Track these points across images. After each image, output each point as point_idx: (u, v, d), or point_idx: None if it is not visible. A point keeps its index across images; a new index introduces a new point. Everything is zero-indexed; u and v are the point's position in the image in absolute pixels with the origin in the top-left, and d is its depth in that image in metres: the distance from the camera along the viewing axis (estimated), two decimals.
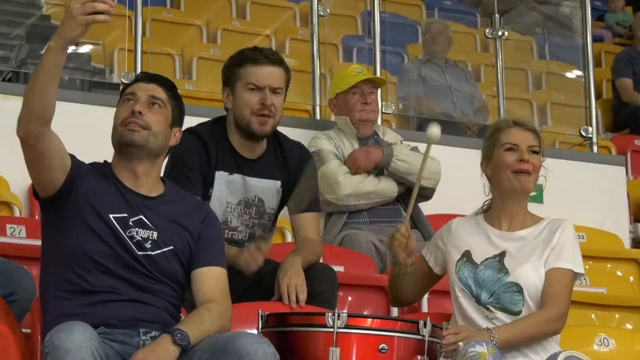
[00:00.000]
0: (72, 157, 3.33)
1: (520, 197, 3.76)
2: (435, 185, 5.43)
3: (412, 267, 3.79)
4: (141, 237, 3.32)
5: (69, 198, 3.30)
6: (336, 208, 5.29)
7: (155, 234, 3.35)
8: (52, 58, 3.06)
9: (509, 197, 3.75)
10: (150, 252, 3.32)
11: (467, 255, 3.73)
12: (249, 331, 3.31)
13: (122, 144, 3.38)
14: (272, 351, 3.04)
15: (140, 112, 3.37)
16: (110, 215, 3.31)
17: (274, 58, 4.08)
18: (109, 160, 3.46)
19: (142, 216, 3.35)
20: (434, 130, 3.63)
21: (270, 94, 4.04)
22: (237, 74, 4.07)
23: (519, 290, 3.64)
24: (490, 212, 3.81)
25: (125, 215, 3.33)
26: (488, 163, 3.78)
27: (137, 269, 3.29)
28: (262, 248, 3.90)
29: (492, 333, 3.52)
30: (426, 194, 5.41)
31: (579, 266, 3.69)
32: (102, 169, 3.42)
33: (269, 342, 3.06)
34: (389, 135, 5.63)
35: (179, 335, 3.09)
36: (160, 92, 3.46)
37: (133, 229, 3.33)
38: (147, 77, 3.52)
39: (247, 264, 3.86)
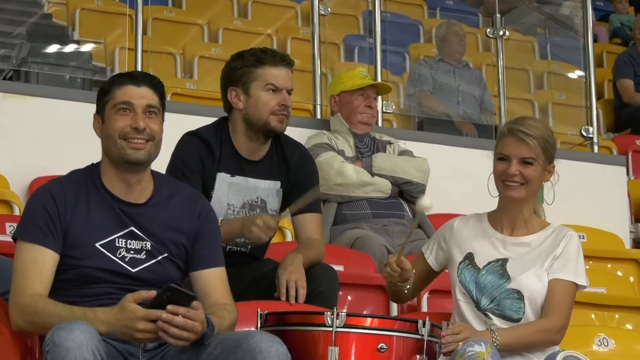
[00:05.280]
0: (51, 239, 3.24)
1: (519, 204, 3.72)
2: (423, 181, 5.44)
3: (411, 282, 3.72)
4: (134, 249, 3.29)
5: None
6: (327, 196, 5.29)
7: (148, 244, 3.32)
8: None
9: (508, 203, 3.74)
10: (145, 264, 3.29)
11: (469, 258, 3.72)
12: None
13: (125, 161, 3.31)
14: (285, 351, 3.03)
15: (144, 129, 3.30)
16: (97, 244, 3.26)
17: (289, 60, 4.16)
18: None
19: (132, 228, 3.31)
20: (425, 201, 3.55)
21: (288, 95, 4.11)
22: (253, 74, 4.09)
23: (520, 297, 3.63)
24: (495, 214, 3.79)
25: (112, 237, 3.28)
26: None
27: (135, 284, 3.25)
28: (276, 218, 3.94)
29: (494, 334, 3.52)
30: (414, 194, 5.41)
31: (581, 278, 3.69)
32: (83, 182, 3.34)
33: (282, 342, 3.04)
34: (385, 138, 5.69)
35: (209, 333, 3.09)
36: (153, 98, 3.36)
37: (122, 248, 3.28)
38: (132, 79, 3.37)
39: (260, 236, 3.91)
